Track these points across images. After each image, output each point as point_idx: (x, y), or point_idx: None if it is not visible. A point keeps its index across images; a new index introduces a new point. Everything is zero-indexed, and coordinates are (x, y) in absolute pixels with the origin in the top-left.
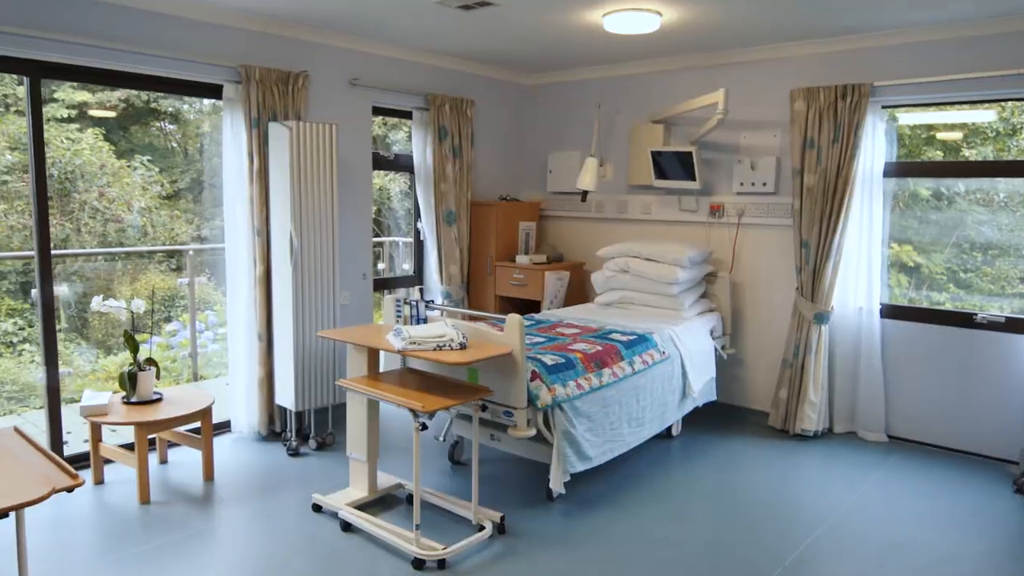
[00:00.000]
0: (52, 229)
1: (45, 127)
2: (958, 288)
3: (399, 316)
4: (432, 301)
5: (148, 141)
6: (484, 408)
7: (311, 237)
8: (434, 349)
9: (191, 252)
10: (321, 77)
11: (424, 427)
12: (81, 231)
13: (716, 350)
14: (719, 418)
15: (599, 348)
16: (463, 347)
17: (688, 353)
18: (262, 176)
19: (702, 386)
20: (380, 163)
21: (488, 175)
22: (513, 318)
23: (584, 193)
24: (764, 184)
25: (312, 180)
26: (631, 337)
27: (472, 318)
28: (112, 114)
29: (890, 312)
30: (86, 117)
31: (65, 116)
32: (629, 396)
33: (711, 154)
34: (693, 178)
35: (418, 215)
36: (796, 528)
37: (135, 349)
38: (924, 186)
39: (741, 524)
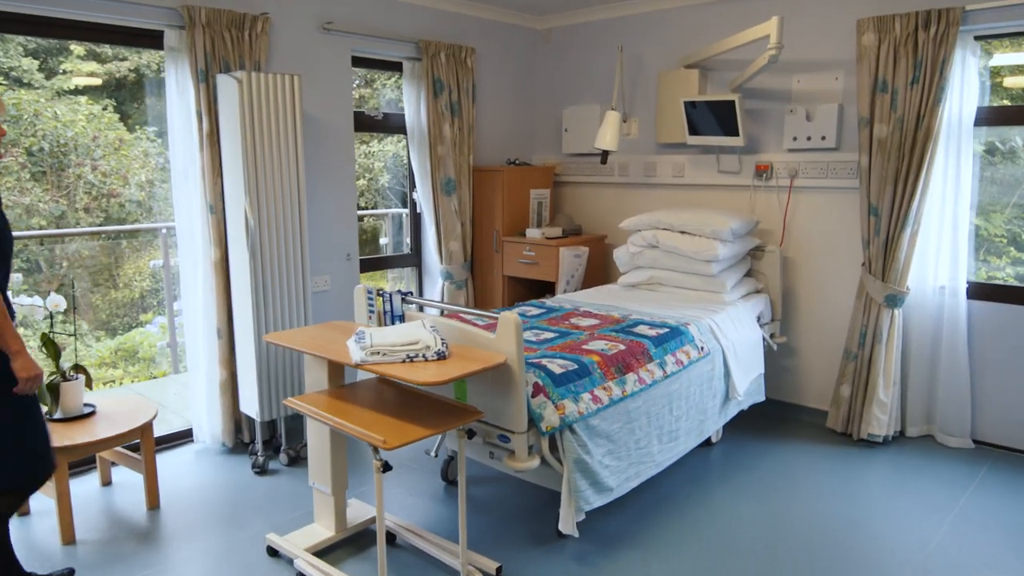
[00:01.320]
0: (44, 205)
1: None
2: None
3: (371, 312)
4: (410, 293)
5: (160, 111)
6: (471, 435)
7: (272, 214)
8: (403, 361)
9: (164, 231)
10: (286, 21)
11: (387, 468)
12: (78, 208)
13: (764, 340)
14: (768, 419)
15: (621, 347)
16: (441, 357)
17: (731, 346)
18: (213, 140)
19: (748, 385)
20: (367, 124)
21: (493, 136)
22: (507, 319)
23: (604, 154)
24: (823, 138)
25: (270, 144)
26: (662, 331)
27: (456, 316)
28: (96, 83)
29: (979, 292)
30: (99, 88)
31: (73, 87)
32: (660, 406)
33: (757, 103)
34: (735, 133)
35: (414, 184)
36: (875, 572)
37: (55, 355)
38: None
39: (803, 566)
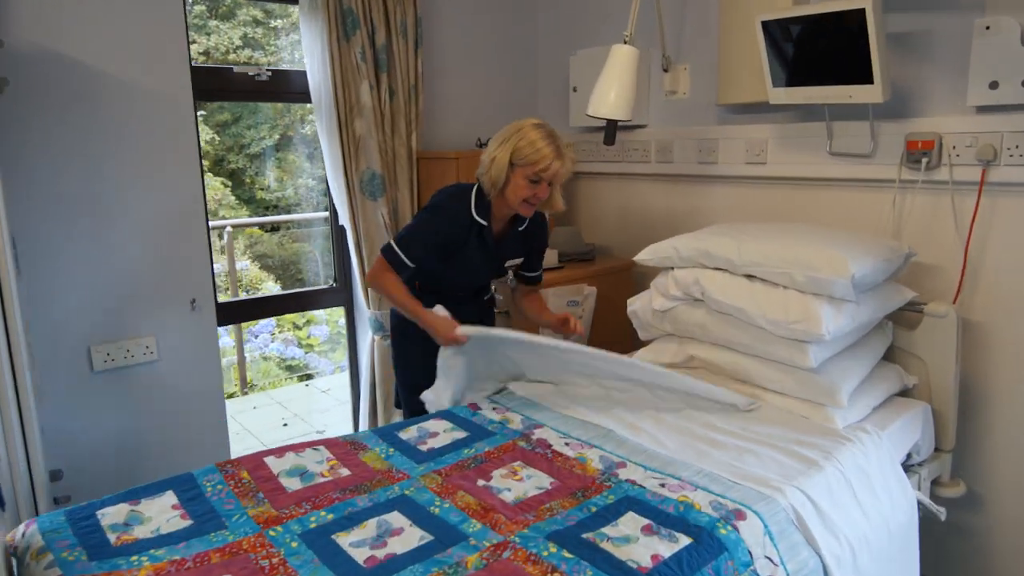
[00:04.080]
0: None
1: None
2: None
3: None
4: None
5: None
6: None
7: None
8: None
9: (230, 229)
10: None
11: None
12: None
13: (920, 507)
14: None
15: None
16: None
17: (844, 553)
18: None
19: None
20: (241, 90)
21: (454, 103)
22: None
23: (609, 126)
24: None
25: None
26: (673, 545)
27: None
28: None
29: None
30: None
31: None
32: None
33: (911, 19)
34: (863, 77)
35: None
36: None
37: None
38: None
39: None
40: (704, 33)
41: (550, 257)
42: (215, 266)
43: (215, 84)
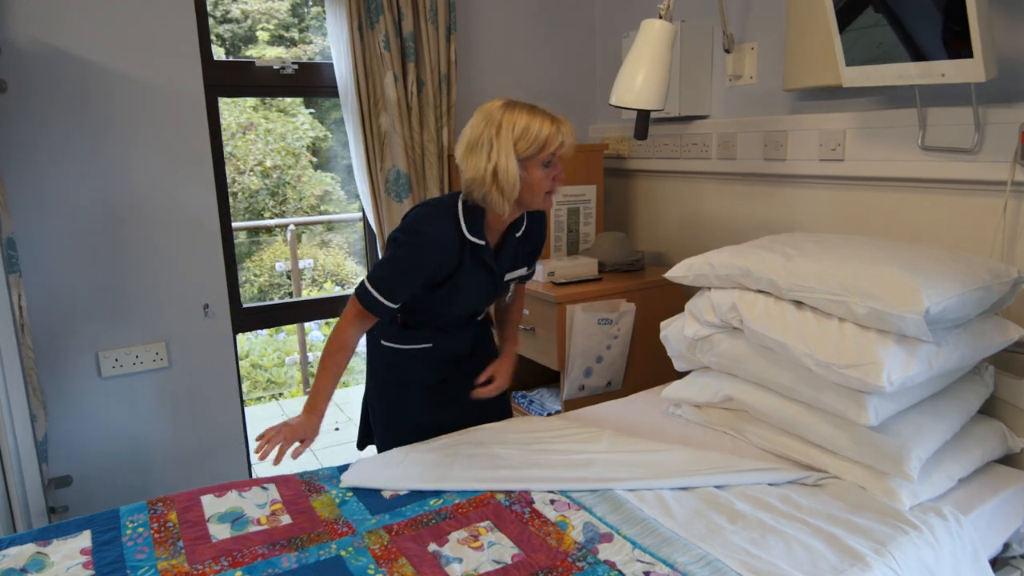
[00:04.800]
0: None
1: None
2: None
3: None
4: None
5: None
6: None
7: None
8: None
9: (292, 227)
10: None
11: None
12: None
13: None
14: None
15: None
16: None
17: None
18: None
19: None
20: (268, 85)
21: (491, 95)
22: None
23: (640, 118)
24: None
25: None
26: None
27: None
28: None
29: None
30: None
31: None
32: None
33: None
34: (964, 50)
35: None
36: None
37: None
38: None
39: None
40: (774, 6)
41: (588, 267)
42: (279, 265)
43: (236, 79)
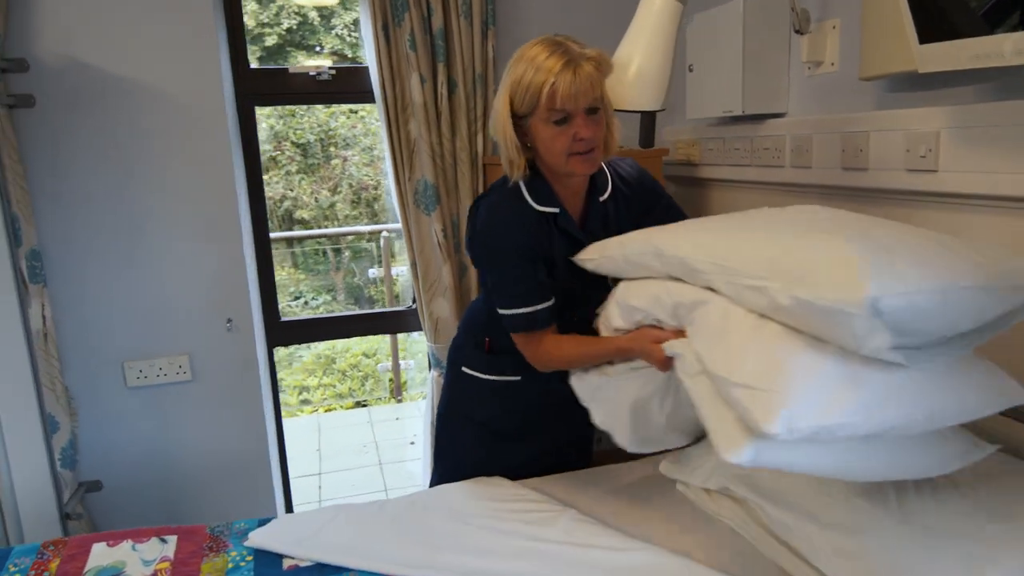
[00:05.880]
0: (308, 198)
1: None
2: None
3: None
4: None
5: None
6: None
7: None
8: None
9: (386, 234)
10: None
11: None
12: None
13: None
14: None
15: None
16: None
17: None
18: None
19: None
20: (301, 92)
21: None
22: None
23: (645, 120)
24: None
25: None
26: None
27: None
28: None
29: None
30: None
31: None
32: None
33: None
34: None
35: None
36: None
37: None
38: None
39: None
40: None
41: None
42: (371, 271)
43: (269, 86)
